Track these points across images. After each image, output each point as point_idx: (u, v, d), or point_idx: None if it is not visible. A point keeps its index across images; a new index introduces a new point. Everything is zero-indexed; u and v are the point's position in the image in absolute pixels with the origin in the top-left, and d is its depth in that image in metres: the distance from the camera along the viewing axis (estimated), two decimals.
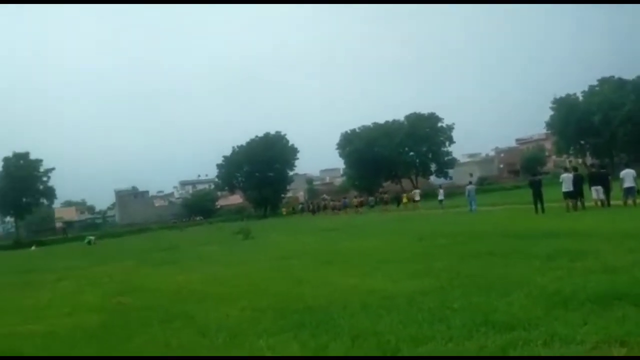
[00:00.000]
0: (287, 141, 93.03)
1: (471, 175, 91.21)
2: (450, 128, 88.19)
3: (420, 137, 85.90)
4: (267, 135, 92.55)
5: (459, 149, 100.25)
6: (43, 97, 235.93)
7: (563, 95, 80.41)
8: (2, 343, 7.23)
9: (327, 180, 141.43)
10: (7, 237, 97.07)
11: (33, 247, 61.25)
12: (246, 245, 23.53)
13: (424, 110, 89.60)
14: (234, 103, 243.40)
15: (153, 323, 7.56)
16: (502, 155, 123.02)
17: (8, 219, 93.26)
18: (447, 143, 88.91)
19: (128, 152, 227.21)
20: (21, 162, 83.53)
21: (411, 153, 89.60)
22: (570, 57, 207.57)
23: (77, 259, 26.44)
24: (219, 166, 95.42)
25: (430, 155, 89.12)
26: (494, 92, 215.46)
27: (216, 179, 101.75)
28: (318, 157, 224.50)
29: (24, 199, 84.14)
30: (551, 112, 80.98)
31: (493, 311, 6.01)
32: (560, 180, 23.06)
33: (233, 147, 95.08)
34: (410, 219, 30.47)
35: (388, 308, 6.80)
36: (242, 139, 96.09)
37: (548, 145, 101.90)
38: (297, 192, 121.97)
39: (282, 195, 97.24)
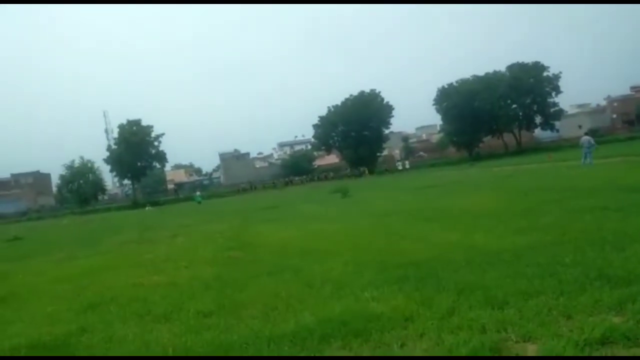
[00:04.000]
0: (382, 99, 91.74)
1: (580, 127, 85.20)
2: (556, 77, 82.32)
3: (523, 88, 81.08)
4: (361, 93, 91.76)
5: (566, 100, 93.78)
6: (152, 67, 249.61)
7: None
8: (131, 292, 7.97)
9: (424, 137, 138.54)
10: (126, 199, 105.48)
11: (147, 207, 66.16)
12: (344, 204, 23.84)
13: (527, 59, 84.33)
14: (330, 63, 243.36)
15: (262, 275, 7.97)
16: (615, 104, 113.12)
17: (125, 181, 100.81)
18: (553, 93, 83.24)
19: (230, 116, 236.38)
20: (134, 128, 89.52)
21: (514, 106, 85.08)
22: None
23: (188, 217, 28.20)
24: (315, 126, 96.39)
25: (534, 107, 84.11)
26: (604, 37, 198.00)
27: (312, 140, 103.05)
28: (414, 114, 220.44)
29: (139, 163, 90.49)
30: None
31: (608, 266, 5.73)
32: None
33: (328, 107, 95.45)
34: (515, 175, 29.23)
35: (493, 263, 6.68)
36: (338, 99, 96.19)
37: None
38: (392, 151, 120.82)
39: (378, 154, 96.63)
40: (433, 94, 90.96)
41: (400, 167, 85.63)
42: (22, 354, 5.19)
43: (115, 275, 9.75)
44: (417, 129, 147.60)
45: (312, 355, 4.35)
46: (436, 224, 11.67)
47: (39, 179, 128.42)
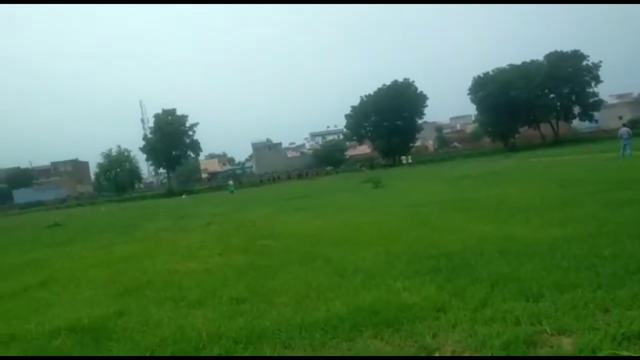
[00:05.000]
0: (416, 88, 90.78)
1: (620, 118, 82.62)
2: (596, 66, 79.86)
3: (561, 78, 78.99)
4: (395, 83, 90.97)
5: (606, 90, 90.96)
6: (187, 58, 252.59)
7: None
8: (166, 278, 8.15)
9: (458, 127, 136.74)
10: (161, 187, 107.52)
11: (184, 196, 67.41)
12: (376, 194, 23.77)
13: (566, 48, 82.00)
14: (363, 53, 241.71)
15: (294, 263, 8.03)
16: None
17: (161, 170, 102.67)
18: (592, 83, 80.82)
19: (262, 106, 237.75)
20: (169, 118, 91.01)
21: (551, 95, 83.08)
22: None
23: (222, 206, 28.58)
24: (347, 116, 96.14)
25: (573, 97, 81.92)
26: None
27: (345, 130, 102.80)
28: (448, 104, 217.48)
29: (173, 152, 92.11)
30: None
31: None
32: None
33: (361, 97, 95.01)
34: (552, 166, 28.59)
35: (529, 255, 6.57)
36: (371, 89, 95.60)
37: None
38: (426, 141, 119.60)
39: (411, 144, 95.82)
40: (468, 83, 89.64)
41: (404, 162, 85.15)
42: (62, 336, 5.36)
43: (151, 262, 9.97)
44: (452, 119, 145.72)
45: (345, 340, 4.38)
46: (470, 215, 11.52)
47: (78, 167, 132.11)
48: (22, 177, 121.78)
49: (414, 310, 4.90)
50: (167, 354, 4.55)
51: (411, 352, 4.02)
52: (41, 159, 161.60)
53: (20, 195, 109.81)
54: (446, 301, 5.07)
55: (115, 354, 4.66)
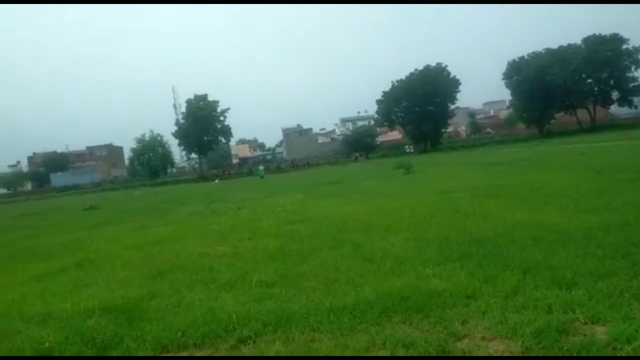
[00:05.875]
0: (449, 73, 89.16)
1: None
2: (636, 50, 76.86)
3: (600, 62, 76.34)
4: (427, 68, 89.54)
5: None
6: (218, 44, 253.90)
7: None
8: (198, 261, 8.28)
9: (491, 113, 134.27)
10: (193, 172, 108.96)
11: (216, 181, 68.27)
12: (407, 180, 23.59)
13: (605, 31, 79.24)
14: (395, 37, 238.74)
15: (323, 249, 8.05)
16: None
17: (193, 155, 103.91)
18: (632, 67, 77.91)
19: (293, 91, 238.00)
20: (201, 103, 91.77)
21: (589, 80, 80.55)
22: None
23: (252, 191, 28.80)
24: (378, 102, 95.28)
25: (611, 82, 79.25)
26: None
27: (375, 115, 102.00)
28: (481, 89, 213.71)
29: (205, 137, 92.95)
30: None
31: None
32: None
33: (392, 82, 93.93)
34: (589, 153, 27.86)
35: (563, 242, 6.44)
36: (402, 74, 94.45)
37: None
38: (458, 127, 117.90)
39: (443, 130, 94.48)
40: (503, 67, 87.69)
41: (407, 151, 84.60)
42: (96, 315, 5.51)
43: (183, 245, 10.14)
44: (485, 104, 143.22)
45: (373, 326, 4.39)
46: (503, 202, 11.34)
47: (113, 152, 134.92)
48: (59, 161, 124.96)
49: (444, 297, 4.87)
50: (198, 334, 4.63)
51: (440, 338, 3.99)
52: (77, 144, 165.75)
53: (58, 179, 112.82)
54: (477, 288, 5.03)
55: (147, 334, 4.76)
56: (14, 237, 16.57)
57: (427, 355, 3.77)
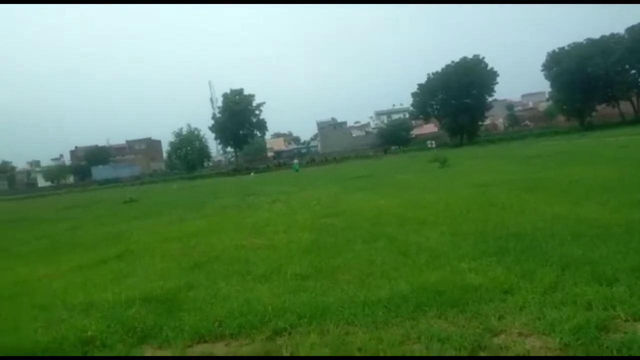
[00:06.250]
0: (486, 65, 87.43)
1: None
2: None
3: None
4: (464, 59, 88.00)
5: None
6: (253, 38, 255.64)
7: None
8: (234, 253, 8.40)
9: (530, 105, 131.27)
10: (228, 166, 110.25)
11: (252, 174, 68.94)
12: (443, 173, 23.33)
13: None
14: (430, 30, 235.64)
15: (357, 242, 8.06)
16: None
17: (229, 149, 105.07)
18: None
19: (329, 85, 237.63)
20: (237, 97, 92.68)
21: (632, 71, 77.82)
22: None
23: (287, 184, 28.99)
24: (413, 94, 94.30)
25: None
26: None
27: (411, 108, 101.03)
28: (520, 81, 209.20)
29: (241, 131, 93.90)
30: None
31: None
32: None
33: (428, 75, 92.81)
34: (632, 145, 26.97)
35: (603, 238, 6.28)
36: (438, 66, 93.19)
37: None
38: (496, 119, 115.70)
39: (480, 123, 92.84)
40: (542, 58, 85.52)
41: (429, 146, 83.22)
42: (136, 305, 5.66)
43: (219, 237, 10.29)
44: (524, 96, 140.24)
45: (408, 319, 4.38)
46: (541, 195, 11.12)
47: (151, 145, 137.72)
48: (100, 155, 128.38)
49: (480, 292, 4.82)
50: (235, 325, 4.71)
51: (476, 333, 3.96)
52: (118, 137, 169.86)
53: (99, 172, 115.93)
54: (514, 283, 4.95)
55: (185, 324, 4.87)
56: (57, 229, 17.12)
57: (461, 348, 3.75)
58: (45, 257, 10.50)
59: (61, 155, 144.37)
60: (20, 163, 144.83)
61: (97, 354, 4.51)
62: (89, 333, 4.87)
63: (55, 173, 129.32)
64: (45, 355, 4.35)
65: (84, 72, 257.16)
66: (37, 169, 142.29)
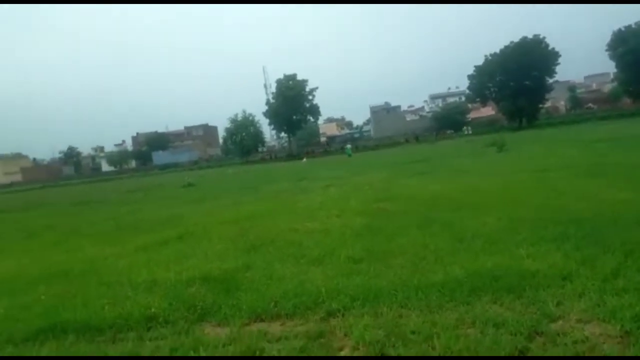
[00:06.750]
0: (547, 45, 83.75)
1: None
2: None
3: None
4: (523, 40, 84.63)
5: None
6: (306, 23, 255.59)
7: None
8: (288, 236, 8.55)
9: (594, 87, 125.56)
10: (282, 151, 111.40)
11: (304, 159, 69.34)
12: (500, 158, 22.77)
13: None
14: (487, 9, 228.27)
15: (411, 227, 8.02)
16: None
17: (282, 134, 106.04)
18: None
19: (382, 69, 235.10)
20: (290, 83, 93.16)
21: None
22: None
23: (340, 169, 29.07)
24: (470, 77, 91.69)
25: None
26: None
27: (467, 91, 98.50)
28: (583, 62, 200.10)
29: (294, 117, 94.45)
30: None
31: None
32: None
33: (485, 56, 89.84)
34: None
35: None
36: (496, 47, 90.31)
37: None
38: (557, 102, 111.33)
39: (540, 106, 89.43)
40: (607, 38, 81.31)
41: (465, 132, 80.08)
42: (196, 284, 5.88)
43: (274, 221, 10.49)
44: (586, 77, 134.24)
45: (463, 304, 4.36)
46: (603, 181, 10.70)
47: (208, 131, 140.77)
48: (159, 141, 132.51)
49: (538, 278, 4.73)
50: (290, 305, 4.83)
51: (533, 319, 3.90)
52: (176, 124, 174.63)
53: (159, 157, 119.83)
54: (573, 270, 4.84)
55: (243, 303, 5.03)
56: (121, 212, 17.87)
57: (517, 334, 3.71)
58: (112, 238, 11.00)
59: (123, 141, 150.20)
60: (85, 149, 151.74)
61: (159, 330, 4.72)
62: (153, 310, 5.11)
63: (118, 158, 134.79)
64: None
65: (149, 65, 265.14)
66: (102, 154, 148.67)
